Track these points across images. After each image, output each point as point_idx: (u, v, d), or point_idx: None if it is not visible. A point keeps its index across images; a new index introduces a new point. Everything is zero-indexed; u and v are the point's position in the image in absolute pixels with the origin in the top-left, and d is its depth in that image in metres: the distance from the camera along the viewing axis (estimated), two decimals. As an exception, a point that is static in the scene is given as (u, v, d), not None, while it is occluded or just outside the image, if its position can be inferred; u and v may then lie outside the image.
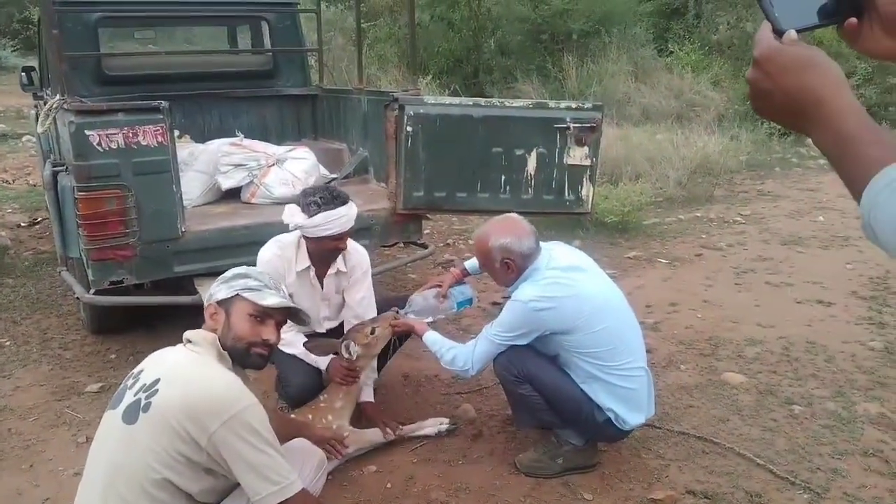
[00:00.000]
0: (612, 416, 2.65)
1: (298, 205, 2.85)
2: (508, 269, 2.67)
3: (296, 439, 2.29)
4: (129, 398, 1.84)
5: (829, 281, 5.03)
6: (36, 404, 3.39)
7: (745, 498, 2.64)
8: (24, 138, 11.01)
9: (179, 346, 1.97)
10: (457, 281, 3.11)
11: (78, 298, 3.61)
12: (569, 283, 2.61)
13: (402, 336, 3.12)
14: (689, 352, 3.94)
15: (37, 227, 6.35)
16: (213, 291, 2.02)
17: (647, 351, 3.81)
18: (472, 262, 3.17)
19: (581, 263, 2.76)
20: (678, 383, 3.57)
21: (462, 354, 2.75)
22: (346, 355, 2.90)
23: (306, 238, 2.93)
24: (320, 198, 2.80)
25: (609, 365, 2.62)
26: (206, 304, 2.04)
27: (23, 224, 6.49)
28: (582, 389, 2.65)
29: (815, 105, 0.82)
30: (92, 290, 3.35)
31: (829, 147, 0.83)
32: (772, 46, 0.84)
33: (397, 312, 3.01)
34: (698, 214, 7.06)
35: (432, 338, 2.86)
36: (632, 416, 2.68)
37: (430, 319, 3.02)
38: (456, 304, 3.05)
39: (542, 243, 2.75)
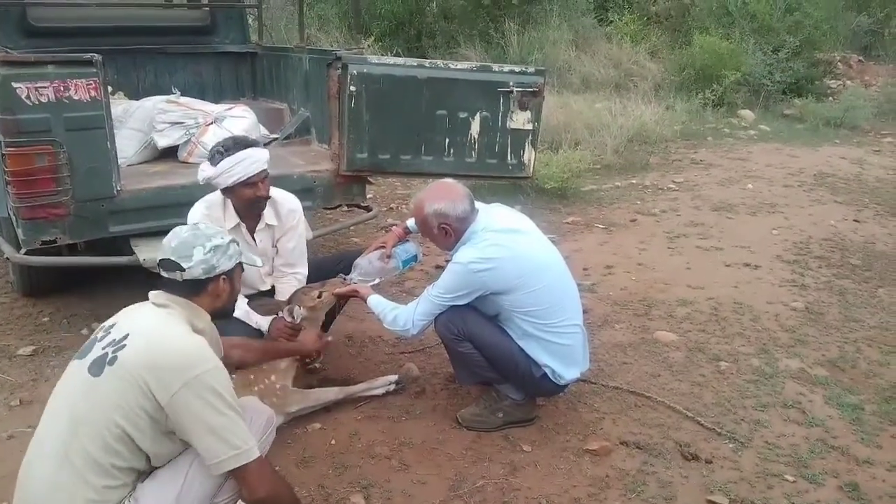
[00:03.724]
0: (548, 371, 2.74)
1: (207, 159, 2.80)
2: (446, 234, 2.72)
3: (245, 398, 2.27)
4: (97, 351, 1.81)
5: (755, 245, 5.26)
6: (-36, 368, 3.28)
7: (674, 448, 2.79)
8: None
9: (150, 305, 1.93)
10: (400, 240, 3.14)
11: (8, 259, 3.47)
12: (507, 245, 2.67)
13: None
14: (623, 312, 4.09)
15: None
16: (216, 263, 1.94)
17: (584, 311, 3.92)
18: (413, 221, 3.19)
19: (520, 225, 2.83)
20: (613, 341, 3.71)
21: (403, 315, 2.80)
22: (290, 319, 2.90)
23: (223, 192, 2.87)
24: (222, 146, 2.75)
25: (545, 323, 2.71)
26: (205, 276, 1.94)
27: (-59, 183, 6.16)
28: (520, 347, 2.74)
29: None
30: (23, 251, 3.22)
31: None
32: None
33: (344, 279, 3.03)
34: (634, 181, 7.24)
35: (375, 300, 2.90)
36: (567, 372, 2.78)
37: (376, 281, 3.04)
38: (401, 262, 3.08)
39: (482, 205, 2.81)
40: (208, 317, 2.01)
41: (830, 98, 11.89)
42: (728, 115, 10.74)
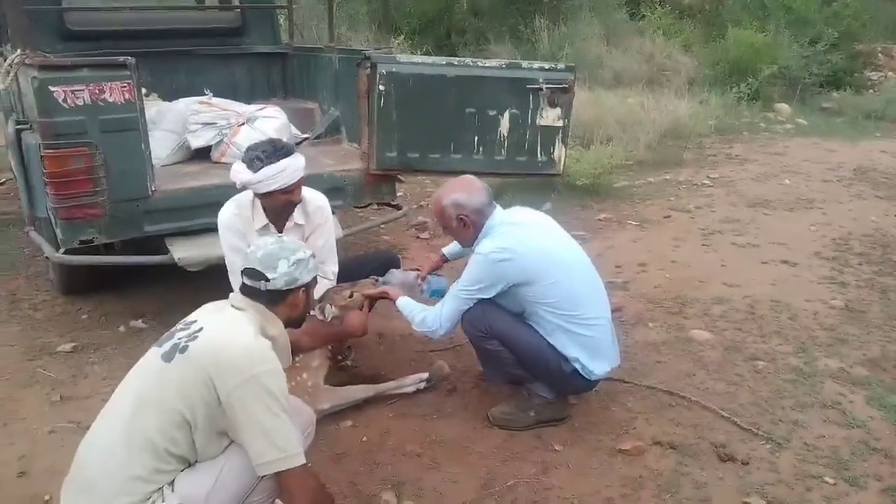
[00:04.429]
0: (578, 366, 2.71)
1: (243, 161, 2.78)
2: (465, 225, 2.75)
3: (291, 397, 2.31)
4: (174, 340, 1.90)
5: (793, 242, 5.15)
6: (7, 364, 3.35)
7: (709, 448, 2.74)
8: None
9: (228, 306, 2.03)
10: (435, 268, 3.23)
11: (47, 258, 3.55)
12: (526, 236, 2.70)
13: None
14: (657, 310, 4.03)
15: (1, 187, 6.20)
16: (298, 276, 2.05)
17: (617, 309, 3.93)
18: (450, 248, 3.28)
19: (538, 220, 2.88)
20: (646, 340, 3.66)
21: (431, 315, 2.81)
22: (321, 317, 2.92)
23: (257, 195, 2.89)
24: (262, 152, 2.73)
25: (570, 314, 2.68)
26: (286, 287, 2.04)
27: (-18, 185, 6.34)
28: (548, 342, 2.71)
29: None
30: (61, 250, 3.30)
31: None
32: None
33: (376, 281, 3.08)
34: (667, 177, 7.14)
35: (404, 302, 2.92)
36: (597, 366, 2.75)
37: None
38: (430, 291, 3.14)
39: (503, 209, 2.85)
40: (282, 325, 2.09)
41: (871, 90, 11.61)
42: (764, 109, 10.52)
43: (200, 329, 1.90)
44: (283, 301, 2.06)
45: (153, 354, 1.93)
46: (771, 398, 3.10)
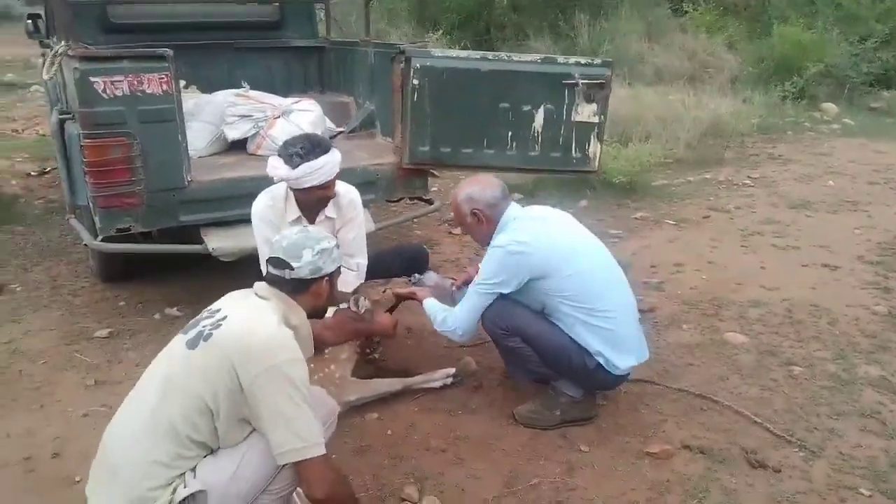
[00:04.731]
0: (601, 360, 2.67)
1: (280, 156, 2.80)
2: (479, 220, 2.76)
3: (310, 388, 2.31)
4: (199, 328, 1.93)
5: (836, 245, 5.00)
6: (46, 348, 3.45)
7: (740, 454, 2.68)
8: (32, 88, 10.97)
9: (253, 295, 2.04)
10: (469, 280, 3.16)
11: (86, 246, 3.63)
12: (541, 229, 2.70)
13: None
14: (692, 312, 3.96)
15: (47, 175, 6.36)
16: (322, 265, 2.07)
17: (650, 309, 3.86)
18: None
19: (554, 215, 2.86)
20: (680, 342, 3.59)
21: (452, 315, 2.81)
22: (355, 308, 2.94)
23: (293, 189, 2.91)
24: (301, 148, 2.75)
25: (590, 308, 2.65)
26: (311, 276, 2.05)
27: (33, 173, 6.49)
28: (570, 337, 2.68)
29: None
30: (99, 237, 3.37)
31: None
32: None
33: (409, 281, 3.14)
34: (707, 176, 7.00)
35: (430, 304, 2.93)
36: (621, 360, 2.70)
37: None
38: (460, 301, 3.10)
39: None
40: (304, 315, 2.09)
41: (923, 90, 11.21)
42: (809, 108, 10.26)
43: (225, 317, 1.92)
44: (306, 290, 2.08)
45: (178, 342, 1.95)
46: (806, 405, 3.02)
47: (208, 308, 2.04)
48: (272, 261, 2.06)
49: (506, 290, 2.69)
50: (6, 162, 6.84)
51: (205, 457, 1.87)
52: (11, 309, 3.87)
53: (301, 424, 1.81)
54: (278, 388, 1.80)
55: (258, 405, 1.80)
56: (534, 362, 2.76)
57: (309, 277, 2.05)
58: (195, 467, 1.84)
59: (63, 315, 3.82)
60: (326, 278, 2.11)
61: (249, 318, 1.92)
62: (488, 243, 2.78)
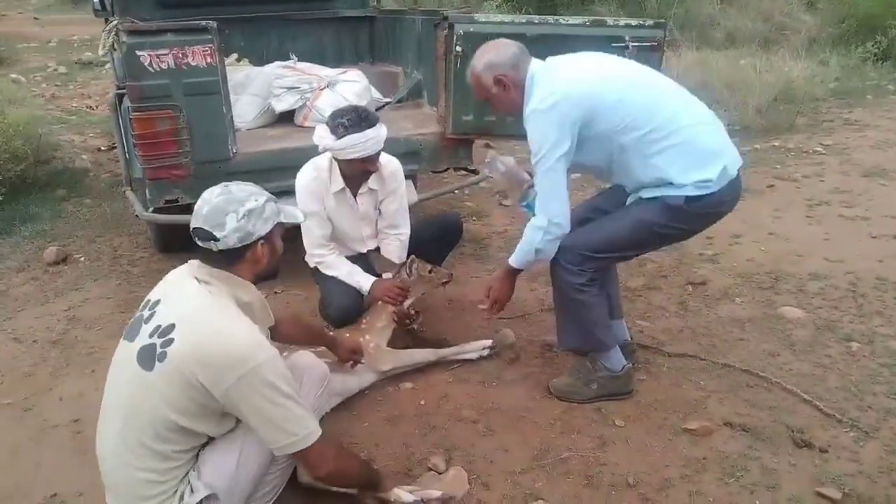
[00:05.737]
0: (690, 188, 2.40)
1: (327, 125, 2.81)
2: (505, 87, 2.53)
3: (300, 353, 2.27)
4: (143, 337, 1.76)
5: (910, 216, 4.70)
6: (102, 315, 3.60)
7: (784, 432, 2.57)
8: (106, 66, 11.38)
9: (193, 280, 1.82)
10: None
11: (138, 217, 3.75)
12: (567, 70, 2.48)
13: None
14: (746, 285, 3.80)
15: (115, 150, 6.60)
16: (251, 229, 1.79)
17: (703, 283, 3.72)
18: None
19: (580, 55, 2.59)
20: (731, 316, 3.46)
21: (533, 223, 2.55)
22: (407, 273, 2.98)
23: (336, 160, 2.93)
24: (348, 119, 2.75)
25: (655, 129, 2.39)
26: (242, 244, 1.81)
27: (102, 148, 6.78)
28: (640, 211, 2.50)
29: None
30: (150, 209, 3.47)
31: None
32: None
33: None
34: (776, 144, 6.66)
35: (515, 258, 2.66)
36: (711, 171, 2.40)
37: (500, 188, 2.83)
38: (529, 204, 2.77)
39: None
40: (253, 287, 1.93)
41: None
42: (894, 70, 9.60)
43: (172, 326, 1.73)
44: (241, 259, 1.84)
45: (125, 352, 1.80)
46: (862, 383, 2.86)
47: (146, 300, 1.88)
48: (195, 231, 1.80)
49: (563, 151, 2.41)
50: (79, 137, 7.17)
51: (201, 448, 1.84)
52: (74, 278, 4.06)
53: (288, 421, 1.75)
54: (256, 393, 1.70)
55: (238, 409, 1.73)
56: (591, 323, 2.62)
57: (240, 245, 1.80)
58: (197, 468, 1.82)
59: (120, 284, 3.97)
60: (262, 241, 1.84)
61: (203, 323, 1.73)
62: (520, 112, 2.55)
